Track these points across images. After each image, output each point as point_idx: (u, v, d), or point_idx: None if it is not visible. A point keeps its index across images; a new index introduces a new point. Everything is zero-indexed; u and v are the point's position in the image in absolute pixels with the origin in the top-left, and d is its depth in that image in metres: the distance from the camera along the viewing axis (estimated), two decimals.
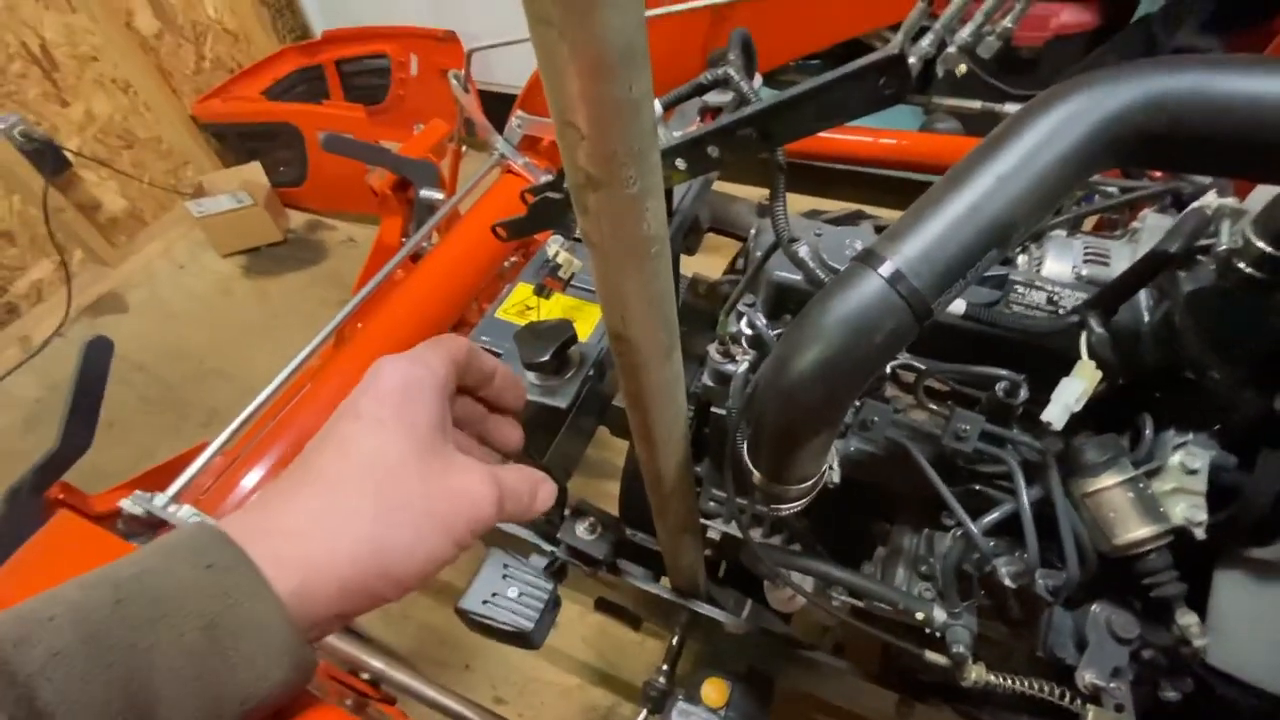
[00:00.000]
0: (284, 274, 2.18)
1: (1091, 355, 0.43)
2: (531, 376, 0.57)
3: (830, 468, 0.46)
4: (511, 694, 1.30)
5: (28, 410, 1.87)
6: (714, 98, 0.52)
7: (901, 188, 1.73)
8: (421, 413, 0.31)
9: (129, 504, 0.67)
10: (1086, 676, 0.46)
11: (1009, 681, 0.49)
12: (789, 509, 0.47)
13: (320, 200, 2.28)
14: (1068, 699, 0.49)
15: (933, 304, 0.35)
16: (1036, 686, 0.50)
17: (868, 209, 0.99)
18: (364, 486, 0.28)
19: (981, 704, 0.65)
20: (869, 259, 0.36)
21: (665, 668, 0.84)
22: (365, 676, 0.55)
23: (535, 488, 0.36)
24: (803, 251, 0.47)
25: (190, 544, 0.26)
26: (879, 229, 0.72)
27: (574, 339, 0.55)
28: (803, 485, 0.46)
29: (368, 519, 0.27)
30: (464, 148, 1.41)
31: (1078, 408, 0.41)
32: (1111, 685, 0.45)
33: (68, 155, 2.00)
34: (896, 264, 0.35)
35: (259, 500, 0.29)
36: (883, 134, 0.96)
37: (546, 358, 0.53)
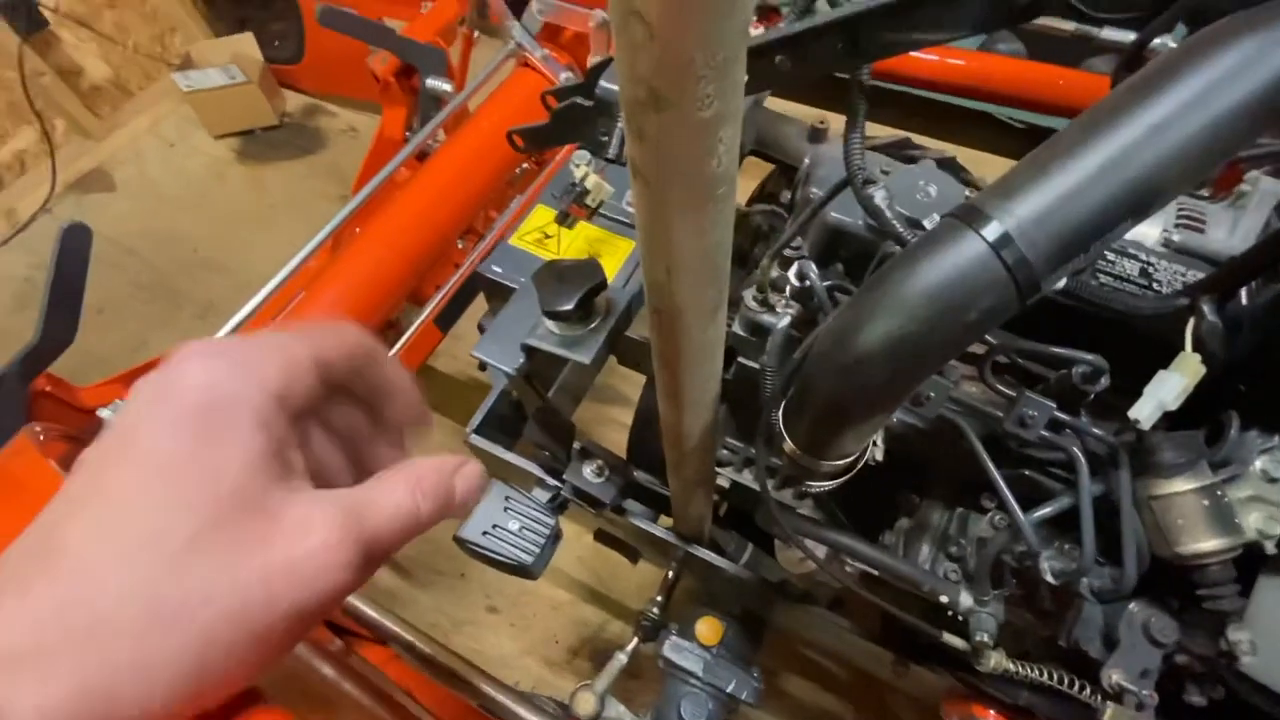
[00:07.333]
0: (280, 161, 2.06)
1: (1197, 347, 0.37)
2: (551, 324, 0.50)
3: (874, 444, 0.41)
4: (504, 604, 1.33)
5: (16, 288, 1.81)
6: None
7: (951, 115, 1.59)
8: (233, 450, 0.21)
9: (109, 414, 0.63)
10: (1113, 676, 0.44)
11: (1028, 671, 0.47)
12: (820, 487, 0.43)
13: (318, 82, 2.11)
14: (1086, 692, 0.47)
15: (1043, 280, 0.29)
16: (1056, 678, 0.48)
17: (914, 137, 0.89)
18: (131, 582, 0.20)
19: (980, 674, 0.64)
20: (971, 217, 0.29)
21: (660, 599, 0.84)
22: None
23: (442, 489, 0.26)
24: (879, 197, 0.40)
25: None
26: (940, 163, 0.64)
27: (603, 284, 0.47)
28: (840, 463, 0.41)
29: (129, 636, 0.19)
30: (476, 33, 1.27)
31: (1174, 406, 0.36)
32: (1141, 691, 0.43)
33: (44, 13, 1.83)
34: (1006, 226, 0.28)
35: None
36: (951, 53, 0.85)
37: (570, 306, 0.46)
